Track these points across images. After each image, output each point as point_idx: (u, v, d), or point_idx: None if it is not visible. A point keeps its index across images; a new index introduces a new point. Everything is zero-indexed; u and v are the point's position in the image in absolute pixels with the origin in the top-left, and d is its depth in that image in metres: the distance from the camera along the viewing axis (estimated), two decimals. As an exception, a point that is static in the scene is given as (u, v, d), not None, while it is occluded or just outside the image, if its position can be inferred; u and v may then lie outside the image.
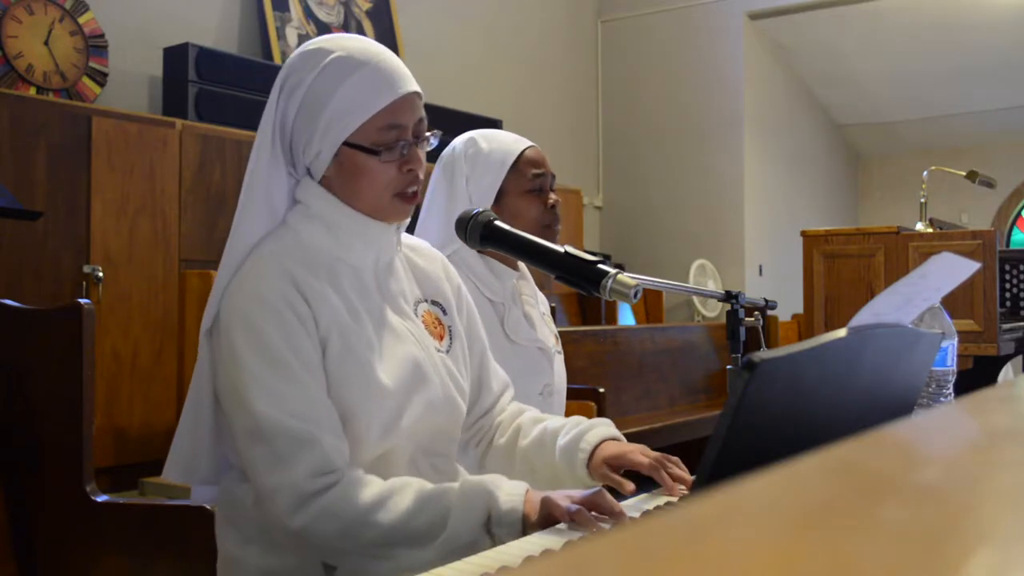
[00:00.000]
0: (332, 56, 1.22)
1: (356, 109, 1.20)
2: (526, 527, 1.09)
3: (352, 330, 1.19)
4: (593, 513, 1.10)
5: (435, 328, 1.33)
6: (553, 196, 1.78)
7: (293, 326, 1.15)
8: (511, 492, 1.11)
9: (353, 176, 1.22)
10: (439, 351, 1.30)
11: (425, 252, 1.41)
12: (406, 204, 1.25)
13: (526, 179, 1.74)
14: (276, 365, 1.14)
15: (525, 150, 1.76)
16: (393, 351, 1.22)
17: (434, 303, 1.36)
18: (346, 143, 1.20)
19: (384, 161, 1.21)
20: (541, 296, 1.87)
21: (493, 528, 1.09)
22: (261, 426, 1.12)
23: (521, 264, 1.81)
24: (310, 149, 1.22)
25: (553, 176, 1.79)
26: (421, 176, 1.26)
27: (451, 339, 1.34)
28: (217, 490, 1.30)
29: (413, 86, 1.24)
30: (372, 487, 1.12)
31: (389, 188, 1.23)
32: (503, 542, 1.09)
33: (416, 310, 1.31)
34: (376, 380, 1.18)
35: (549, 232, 1.73)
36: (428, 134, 1.27)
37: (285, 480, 1.11)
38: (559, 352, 1.82)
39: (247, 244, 1.23)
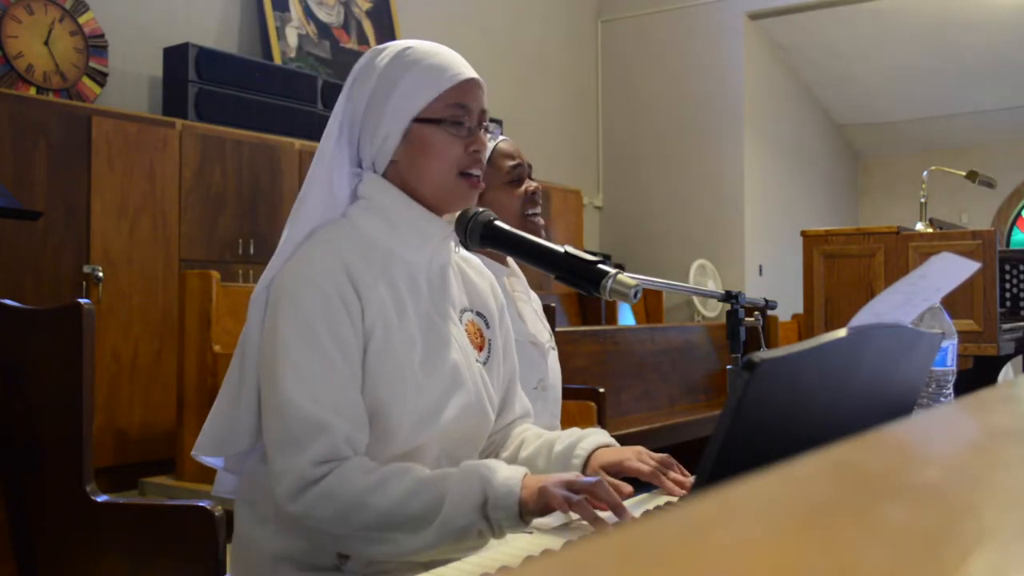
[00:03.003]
0: (401, 48, 1.29)
1: (425, 87, 1.25)
2: (523, 512, 1.09)
3: (396, 326, 1.21)
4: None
5: (476, 338, 1.35)
6: (532, 183, 1.81)
7: (338, 313, 1.17)
8: (508, 476, 1.12)
9: (421, 153, 1.25)
10: (478, 361, 1.32)
11: (477, 267, 1.45)
12: (471, 188, 1.28)
13: (503, 172, 1.78)
14: (313, 348, 1.15)
15: (497, 144, 1.79)
16: (434, 352, 1.25)
17: (479, 314, 1.39)
18: (415, 119, 1.25)
19: (451, 134, 1.25)
20: (533, 293, 1.88)
21: (489, 511, 1.09)
22: (283, 404, 1.14)
23: (511, 261, 1.82)
24: (378, 133, 1.26)
25: (530, 165, 1.83)
26: (484, 163, 1.30)
27: (490, 352, 1.37)
28: (238, 480, 1.32)
29: (476, 75, 1.30)
30: (370, 472, 1.13)
31: (455, 165, 1.26)
32: (500, 526, 1.09)
33: (461, 317, 1.34)
34: (414, 377, 1.20)
35: (533, 220, 1.77)
36: (489, 125, 1.32)
37: (292, 464, 1.12)
38: (553, 348, 1.83)
39: (304, 232, 1.25)
